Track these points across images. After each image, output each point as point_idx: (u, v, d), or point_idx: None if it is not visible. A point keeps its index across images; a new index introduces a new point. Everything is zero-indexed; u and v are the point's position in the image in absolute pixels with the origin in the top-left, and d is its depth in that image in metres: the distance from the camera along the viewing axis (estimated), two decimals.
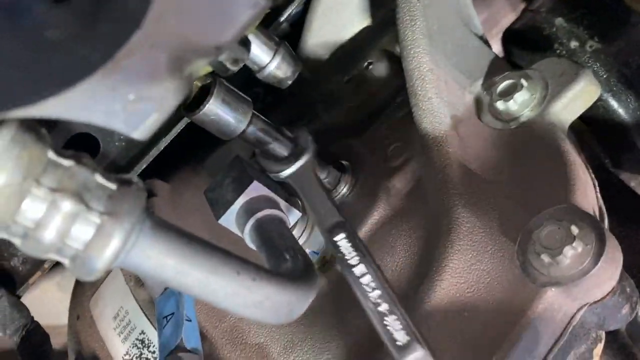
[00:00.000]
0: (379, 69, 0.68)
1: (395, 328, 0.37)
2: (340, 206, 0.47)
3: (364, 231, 0.58)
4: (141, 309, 0.60)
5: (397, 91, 0.66)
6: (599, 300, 0.49)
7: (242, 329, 0.56)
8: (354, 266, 0.42)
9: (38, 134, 0.29)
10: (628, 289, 0.51)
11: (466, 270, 0.51)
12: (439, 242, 0.52)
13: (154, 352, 0.58)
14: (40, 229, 0.30)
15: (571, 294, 0.47)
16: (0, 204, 0.28)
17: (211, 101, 0.50)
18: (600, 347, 0.58)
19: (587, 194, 0.51)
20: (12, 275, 0.63)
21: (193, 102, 0.51)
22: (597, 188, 0.53)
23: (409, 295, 0.52)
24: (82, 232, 0.30)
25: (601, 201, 0.53)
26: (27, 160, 0.28)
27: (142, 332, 0.59)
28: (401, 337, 0.37)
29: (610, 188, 0.61)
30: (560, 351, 0.50)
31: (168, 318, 0.50)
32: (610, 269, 0.47)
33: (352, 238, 0.43)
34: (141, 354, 0.59)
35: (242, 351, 0.55)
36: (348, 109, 0.69)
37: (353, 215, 0.59)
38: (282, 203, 0.53)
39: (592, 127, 0.66)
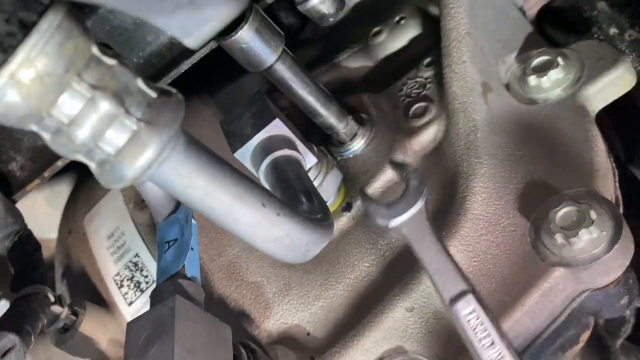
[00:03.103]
0: (411, 25, 0.66)
1: None
2: (462, 269, 0.40)
3: (374, 187, 0.57)
4: (138, 232, 0.59)
5: (425, 51, 0.64)
6: (602, 288, 0.49)
7: (240, 265, 0.56)
8: (485, 346, 0.37)
9: (84, 26, 0.28)
10: (631, 281, 0.51)
11: (475, 240, 0.50)
12: (453, 207, 0.52)
13: (146, 277, 0.57)
14: (75, 126, 0.28)
15: (578, 277, 0.47)
16: (39, 93, 0.26)
17: (245, 28, 0.48)
18: (587, 333, 0.58)
19: (608, 182, 0.51)
20: (8, 179, 0.61)
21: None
22: (617, 178, 0.53)
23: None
24: (117, 136, 0.29)
25: (618, 191, 0.53)
26: (72, 51, 0.27)
27: (137, 255, 0.58)
28: None
29: (622, 180, 0.60)
30: (553, 331, 0.50)
31: (170, 244, 0.49)
32: (621, 258, 0.47)
33: (484, 311, 0.39)
34: (133, 276, 0.58)
35: (237, 287, 0.55)
36: (373, 62, 0.67)
37: (365, 170, 0.59)
38: (300, 145, 0.52)
39: (614, 117, 0.65)
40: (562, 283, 0.47)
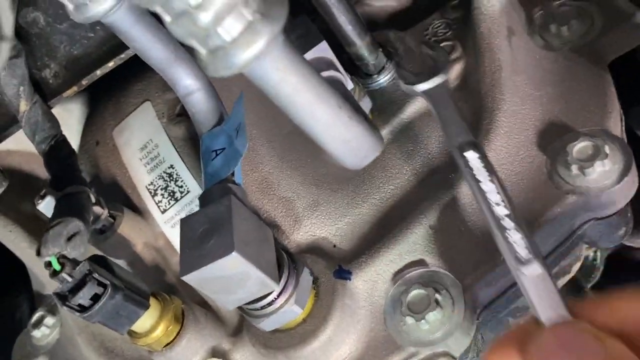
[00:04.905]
0: None
1: (518, 244, 0.39)
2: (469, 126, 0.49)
3: (400, 118, 0.61)
4: (173, 144, 0.61)
5: None
6: (605, 217, 0.55)
7: (272, 181, 0.59)
8: (480, 181, 0.44)
9: None
10: (629, 214, 0.57)
11: (496, 168, 0.55)
12: (477, 139, 0.56)
13: (181, 187, 0.60)
14: (200, 9, 0.31)
15: (587, 205, 0.53)
16: None
17: None
18: (578, 265, 0.65)
19: (618, 124, 0.56)
20: (41, 86, 0.62)
21: None
22: (623, 122, 0.58)
23: (438, 183, 0.56)
24: (234, 25, 0.31)
25: (624, 134, 0.58)
26: None
27: (172, 167, 0.61)
28: (523, 253, 0.38)
29: None
30: (556, 256, 0.56)
31: (218, 152, 0.52)
32: (627, 191, 0.52)
33: (483, 157, 0.46)
34: (167, 186, 0.60)
35: (269, 200, 0.58)
36: (398, 2, 0.70)
37: (391, 102, 0.62)
38: (342, 69, 0.55)
39: (616, 72, 0.70)
40: (571, 210, 0.53)
